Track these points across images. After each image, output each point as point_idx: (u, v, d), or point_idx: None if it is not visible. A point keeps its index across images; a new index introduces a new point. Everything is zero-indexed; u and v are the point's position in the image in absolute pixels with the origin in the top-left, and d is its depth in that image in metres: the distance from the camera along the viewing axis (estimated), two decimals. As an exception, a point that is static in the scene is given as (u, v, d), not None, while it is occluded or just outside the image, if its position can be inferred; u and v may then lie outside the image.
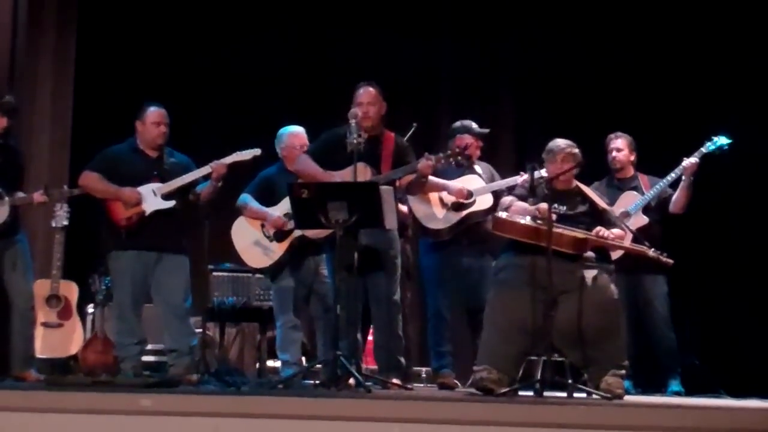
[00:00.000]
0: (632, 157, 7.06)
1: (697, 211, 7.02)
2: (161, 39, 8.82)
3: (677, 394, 6.65)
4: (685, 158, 6.78)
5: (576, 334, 5.41)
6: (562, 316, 5.42)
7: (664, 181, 6.88)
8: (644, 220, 6.81)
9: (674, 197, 6.86)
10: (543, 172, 5.82)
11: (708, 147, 6.79)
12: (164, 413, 4.41)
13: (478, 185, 6.67)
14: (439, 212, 6.67)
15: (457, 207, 6.64)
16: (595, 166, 6.06)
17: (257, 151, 6.38)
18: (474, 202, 6.64)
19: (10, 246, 6.43)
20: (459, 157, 6.19)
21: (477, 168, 6.78)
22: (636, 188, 6.96)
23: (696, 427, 4.26)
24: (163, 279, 6.34)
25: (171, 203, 6.32)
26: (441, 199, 6.68)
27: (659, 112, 8.20)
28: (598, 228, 5.63)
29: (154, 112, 6.43)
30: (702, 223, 7.43)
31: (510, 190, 6.37)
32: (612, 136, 7.08)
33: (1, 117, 6.42)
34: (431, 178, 6.29)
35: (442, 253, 6.73)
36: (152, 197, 6.33)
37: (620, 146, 7.04)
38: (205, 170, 6.32)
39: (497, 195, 6.56)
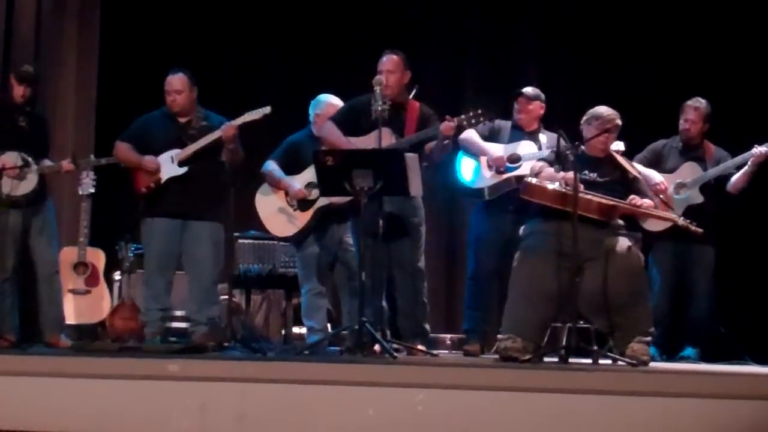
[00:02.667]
0: (704, 129, 6.92)
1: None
2: (186, 3, 8.81)
3: (684, 358, 6.65)
4: (756, 145, 6.65)
5: (602, 301, 5.41)
6: (588, 283, 5.41)
7: (729, 162, 6.75)
8: (699, 198, 6.73)
9: (734, 179, 6.76)
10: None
11: None
12: (191, 378, 4.44)
13: (529, 151, 6.61)
14: (485, 173, 6.65)
15: (501, 170, 6.62)
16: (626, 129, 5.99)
17: (267, 110, 6.29)
18: (520, 167, 6.59)
19: (37, 213, 6.46)
20: (480, 118, 6.15)
21: (542, 137, 6.70)
22: (699, 158, 6.87)
23: (722, 393, 4.25)
24: (190, 247, 6.35)
25: (183, 170, 6.31)
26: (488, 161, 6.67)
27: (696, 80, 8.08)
28: (633, 196, 5.61)
29: (167, 81, 6.41)
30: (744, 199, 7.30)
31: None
32: (690, 104, 6.89)
33: (18, 85, 6.43)
34: (477, 140, 6.42)
35: (488, 217, 6.70)
36: (169, 164, 6.33)
37: (695, 119, 6.86)
38: (216, 134, 6.29)
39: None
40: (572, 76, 8.63)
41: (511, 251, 6.28)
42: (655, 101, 7.34)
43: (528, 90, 6.76)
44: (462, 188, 6.76)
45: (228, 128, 6.25)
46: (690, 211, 6.43)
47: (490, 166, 6.61)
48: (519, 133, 6.70)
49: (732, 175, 6.78)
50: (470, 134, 6.49)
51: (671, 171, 6.79)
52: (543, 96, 6.80)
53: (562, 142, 5.69)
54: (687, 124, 6.89)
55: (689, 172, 6.80)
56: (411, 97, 6.36)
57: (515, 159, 6.59)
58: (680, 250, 6.70)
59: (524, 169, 6.50)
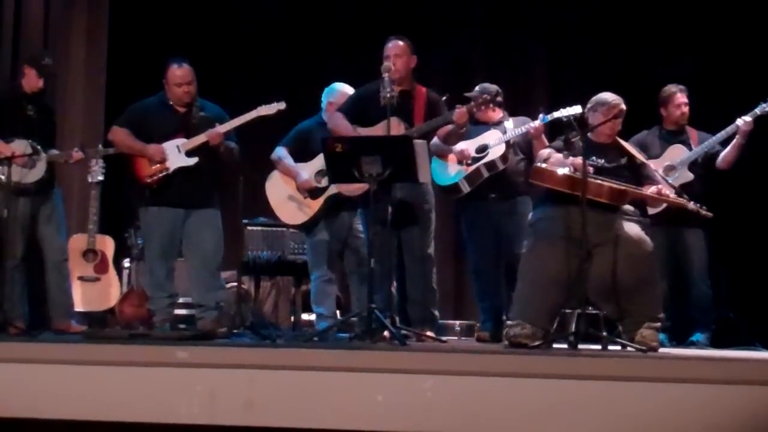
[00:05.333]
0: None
1: (739, 164, 6.90)
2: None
3: (693, 344, 6.65)
4: (739, 118, 6.68)
5: (611, 287, 5.40)
6: (597, 269, 5.40)
7: (715, 138, 6.80)
8: (690, 176, 6.77)
9: (723, 153, 6.79)
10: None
11: (764, 108, 6.68)
12: (200, 365, 4.44)
13: (494, 138, 6.65)
14: (453, 168, 6.67)
15: (471, 162, 6.63)
16: (632, 115, 6.00)
17: (282, 105, 6.32)
18: (487, 155, 6.62)
19: (45, 201, 6.49)
20: (491, 103, 6.17)
21: (507, 124, 6.74)
22: (684, 142, 6.90)
23: (732, 379, 4.24)
24: (193, 234, 6.35)
25: (194, 160, 6.30)
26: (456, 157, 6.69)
27: (698, 63, 8.07)
28: (660, 186, 5.60)
29: (175, 73, 6.35)
30: (743, 177, 7.29)
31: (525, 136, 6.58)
32: (675, 89, 6.96)
33: (38, 78, 6.47)
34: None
35: (473, 210, 6.76)
36: (176, 154, 6.30)
37: (687, 101, 6.95)
38: (227, 126, 6.31)
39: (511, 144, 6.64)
40: (580, 61, 8.63)
41: (505, 237, 6.35)
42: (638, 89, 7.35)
43: (474, 92, 6.72)
44: (440, 189, 6.75)
45: (213, 135, 6.24)
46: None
47: (460, 162, 6.64)
48: (483, 126, 6.72)
49: (718, 153, 6.80)
50: (435, 139, 6.48)
51: (657, 157, 6.80)
52: (492, 88, 6.75)
53: (572, 132, 5.71)
54: (684, 107, 6.95)
55: (676, 153, 6.83)
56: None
57: (482, 149, 6.62)
58: (672, 234, 6.73)
59: (491, 155, 6.59)
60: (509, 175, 6.63)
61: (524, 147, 6.69)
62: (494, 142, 6.61)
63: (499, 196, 6.61)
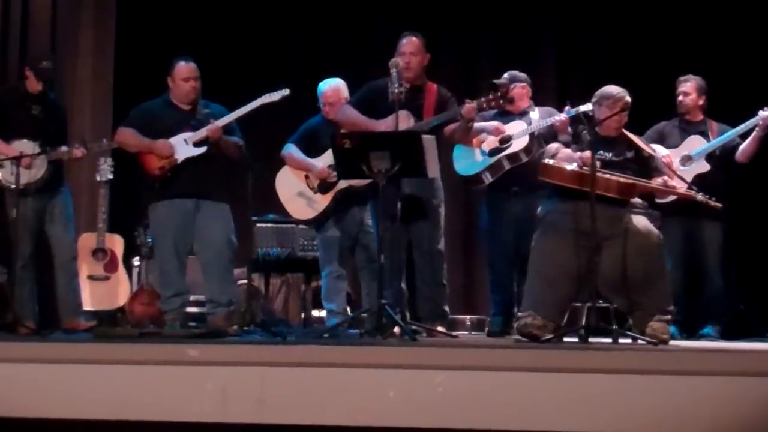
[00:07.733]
0: (700, 102, 6.90)
1: (758, 158, 6.82)
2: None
3: (704, 336, 6.63)
4: (761, 110, 6.61)
5: (621, 280, 5.40)
6: (607, 262, 5.40)
7: (735, 130, 6.73)
8: (706, 167, 6.72)
9: (743, 147, 6.72)
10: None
11: None
12: (211, 363, 4.45)
13: (518, 129, 6.65)
14: (478, 158, 6.66)
15: (493, 152, 6.63)
16: (645, 107, 5.99)
17: (286, 92, 6.32)
18: (510, 146, 6.62)
19: (51, 199, 6.49)
20: (501, 101, 6.17)
21: (533, 114, 6.75)
22: (703, 133, 6.86)
23: (741, 371, 4.23)
24: (204, 227, 6.33)
25: (202, 149, 6.29)
26: (480, 147, 6.68)
27: (724, 56, 8.00)
28: (665, 179, 5.59)
29: (182, 69, 6.37)
30: (761, 170, 7.23)
31: (550, 129, 6.56)
32: (682, 78, 6.93)
33: (37, 81, 6.47)
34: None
35: (494, 202, 6.76)
36: (183, 146, 6.30)
37: (688, 90, 6.89)
38: (234, 115, 6.32)
39: (535, 136, 6.64)
40: (587, 51, 8.61)
41: (525, 231, 6.35)
42: (663, 79, 7.32)
43: (502, 79, 6.71)
44: (462, 178, 6.75)
45: (212, 129, 6.25)
46: (698, 186, 6.39)
47: (483, 152, 6.62)
48: (508, 116, 6.73)
49: (738, 146, 6.76)
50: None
51: (675, 147, 6.79)
52: (521, 76, 6.79)
53: (580, 126, 5.71)
54: (681, 96, 6.91)
55: (694, 144, 6.80)
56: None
57: (506, 140, 6.61)
58: (689, 226, 6.71)
59: (514, 147, 6.59)
60: (532, 168, 6.59)
61: (549, 139, 6.64)
62: (518, 133, 6.60)
63: (522, 190, 6.58)
